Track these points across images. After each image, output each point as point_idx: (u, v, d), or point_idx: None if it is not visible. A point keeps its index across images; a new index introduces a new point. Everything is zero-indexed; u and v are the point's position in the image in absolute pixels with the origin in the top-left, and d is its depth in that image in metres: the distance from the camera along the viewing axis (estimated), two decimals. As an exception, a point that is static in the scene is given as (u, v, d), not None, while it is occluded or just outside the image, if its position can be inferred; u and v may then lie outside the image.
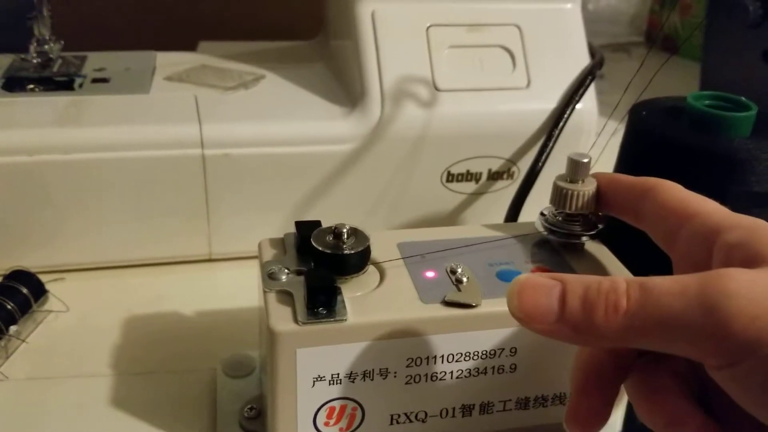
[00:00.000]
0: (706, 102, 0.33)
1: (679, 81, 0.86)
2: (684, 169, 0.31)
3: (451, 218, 0.47)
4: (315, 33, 0.57)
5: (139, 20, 0.65)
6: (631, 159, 0.34)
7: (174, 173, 0.41)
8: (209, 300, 0.41)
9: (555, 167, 0.43)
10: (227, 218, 0.43)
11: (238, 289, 0.42)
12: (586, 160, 0.32)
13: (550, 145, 0.43)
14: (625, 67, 0.91)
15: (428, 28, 0.44)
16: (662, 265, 0.32)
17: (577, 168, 0.32)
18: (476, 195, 0.46)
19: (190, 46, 0.55)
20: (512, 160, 0.46)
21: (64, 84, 0.46)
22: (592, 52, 0.48)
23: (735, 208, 0.31)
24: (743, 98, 0.32)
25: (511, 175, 0.46)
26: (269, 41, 0.56)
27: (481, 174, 0.46)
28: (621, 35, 0.91)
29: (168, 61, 0.50)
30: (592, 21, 0.90)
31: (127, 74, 0.47)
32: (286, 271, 0.29)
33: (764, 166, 0.30)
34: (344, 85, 0.46)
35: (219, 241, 0.44)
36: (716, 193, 0.31)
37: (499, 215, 0.46)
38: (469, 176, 0.46)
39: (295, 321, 0.27)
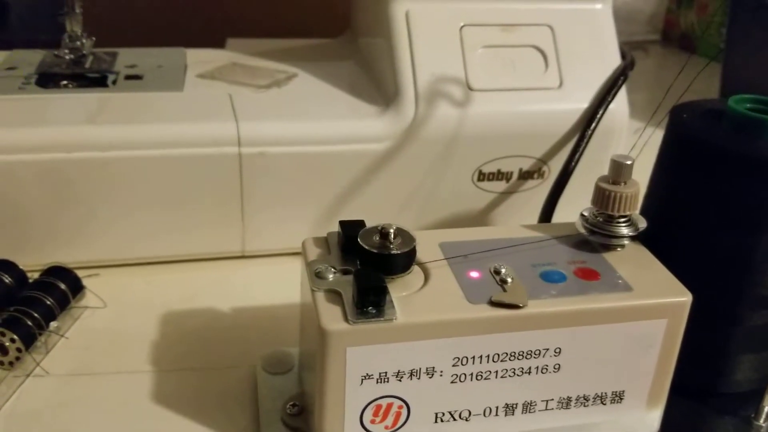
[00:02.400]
0: (747, 105, 0.33)
1: (699, 80, 0.87)
2: (725, 173, 0.31)
3: (482, 217, 0.47)
4: (335, 30, 0.57)
5: (164, 16, 0.65)
6: (671, 162, 0.34)
7: (210, 171, 0.41)
8: (244, 297, 0.42)
9: (586, 167, 0.44)
10: (261, 215, 0.43)
11: (272, 285, 0.42)
12: (629, 162, 0.32)
13: (583, 145, 0.44)
14: (642, 66, 0.91)
15: (462, 28, 0.44)
16: (700, 267, 0.33)
17: (620, 170, 0.32)
18: (507, 194, 0.47)
19: (214, 42, 0.55)
20: (543, 160, 0.46)
21: (97, 81, 0.46)
22: (623, 52, 0.48)
23: (777, 212, 0.31)
24: (784, 101, 0.33)
25: (541, 175, 0.46)
26: (295, 38, 0.56)
27: (512, 173, 0.46)
28: (638, 33, 0.91)
29: (198, 58, 0.50)
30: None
31: (159, 71, 0.47)
32: (332, 270, 0.30)
33: (808, 170, 0.30)
34: (377, 83, 0.46)
35: (253, 238, 0.44)
36: (756, 197, 0.31)
37: (530, 214, 0.46)
38: (500, 175, 0.46)
39: (345, 320, 0.27)
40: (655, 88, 0.81)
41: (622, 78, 0.45)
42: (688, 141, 0.33)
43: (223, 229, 0.43)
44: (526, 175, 0.46)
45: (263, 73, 0.47)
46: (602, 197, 0.32)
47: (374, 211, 0.45)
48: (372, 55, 0.48)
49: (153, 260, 0.44)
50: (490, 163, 0.45)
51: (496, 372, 0.30)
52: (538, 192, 0.46)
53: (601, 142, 0.45)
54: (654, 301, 0.30)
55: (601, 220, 0.33)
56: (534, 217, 0.44)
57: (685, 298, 0.30)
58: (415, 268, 0.31)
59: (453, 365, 0.29)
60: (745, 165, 0.31)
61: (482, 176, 0.45)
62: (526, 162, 0.46)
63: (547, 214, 0.42)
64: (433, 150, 0.44)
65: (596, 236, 0.33)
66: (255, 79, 0.46)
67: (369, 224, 0.31)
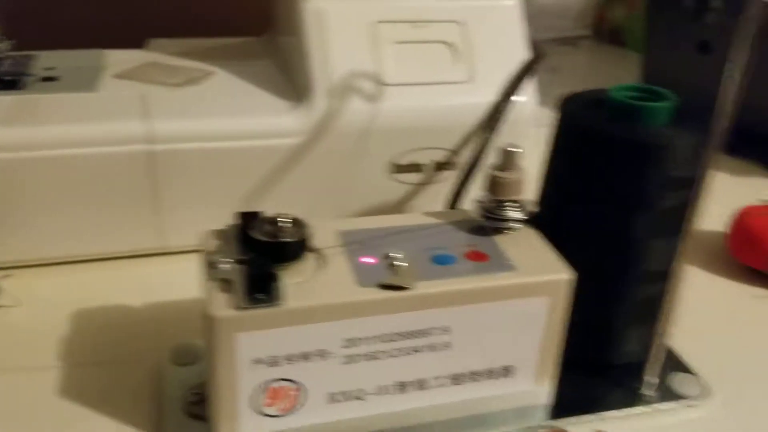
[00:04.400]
0: (628, 93, 0.35)
1: (626, 72, 0.89)
2: (606, 157, 0.33)
3: (398, 208, 0.48)
4: (260, 28, 0.58)
5: (89, 19, 0.65)
6: (559, 149, 0.36)
7: (122, 169, 0.42)
8: (159, 292, 0.42)
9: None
10: (178, 212, 0.44)
11: (187, 280, 0.42)
12: (516, 150, 0.34)
13: (490, 138, 0.45)
14: (573, 60, 0.93)
15: (373, 24, 0.45)
16: (586, 246, 0.34)
17: (509, 157, 0.34)
18: (421, 185, 0.48)
19: (141, 44, 0.55)
20: (456, 152, 0.47)
21: (10, 83, 0.46)
22: (534, 47, 0.50)
23: (653, 192, 0.33)
24: (662, 89, 0.34)
25: (454, 166, 0.48)
26: (219, 38, 0.56)
27: (425, 165, 0.47)
28: (569, 29, 0.93)
29: (117, 59, 0.51)
30: (540, 15, 0.93)
31: (76, 72, 0.48)
32: (227, 260, 0.31)
33: (679, 153, 0.32)
34: (291, 80, 0.47)
35: (170, 235, 0.45)
36: (636, 179, 0.33)
37: (443, 204, 0.47)
38: (414, 167, 0.47)
39: (235, 307, 0.28)
40: (586, 81, 0.84)
41: (528, 71, 0.47)
42: (572, 128, 0.35)
43: (140, 227, 0.44)
44: (439, 167, 0.48)
45: (180, 72, 0.48)
46: (492, 183, 0.34)
47: (292, 204, 0.45)
48: (288, 53, 0.49)
49: (70, 259, 0.44)
50: (404, 156, 0.46)
51: (388, 352, 0.31)
52: (450, 183, 0.47)
53: (510, 133, 0.46)
54: (535, 280, 0.31)
55: (494, 205, 0.34)
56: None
57: (566, 276, 0.32)
58: (311, 256, 0.32)
59: (344, 347, 0.30)
60: (623, 149, 0.33)
61: (396, 168, 0.47)
62: (439, 154, 0.47)
63: (454, 202, 0.43)
64: (347, 143, 0.45)
65: (489, 221, 0.34)
66: (171, 78, 0.46)
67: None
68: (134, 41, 0.55)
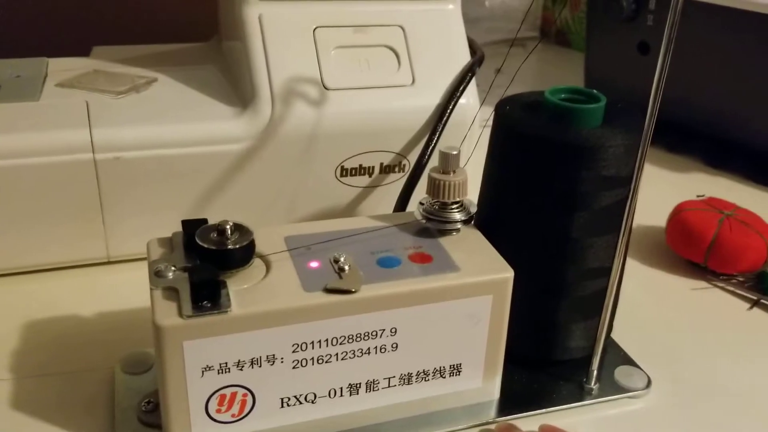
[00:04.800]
0: (563, 96, 0.36)
1: (571, 72, 0.91)
2: (541, 158, 0.34)
3: (347, 211, 0.49)
4: (207, 34, 0.58)
5: (33, 26, 0.64)
6: (497, 150, 0.37)
7: (66, 179, 0.41)
8: (108, 302, 0.42)
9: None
10: (123, 221, 0.44)
11: (137, 289, 0.42)
12: (455, 152, 0.34)
13: (435, 139, 0.46)
14: (520, 61, 0.95)
15: (315, 29, 0.46)
16: (527, 245, 0.35)
17: (448, 160, 0.34)
18: (370, 188, 0.48)
19: (87, 52, 0.55)
20: (402, 154, 0.48)
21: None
22: (474, 49, 0.51)
23: (589, 192, 0.34)
24: (595, 91, 0.36)
25: (402, 168, 0.48)
26: (164, 44, 0.56)
27: (373, 168, 0.48)
28: (516, 31, 0.95)
29: (60, 67, 0.50)
30: (488, 18, 0.95)
31: (17, 81, 0.47)
32: (172, 268, 0.31)
33: (611, 153, 0.33)
34: (235, 86, 0.47)
35: (116, 244, 0.44)
36: (570, 179, 0.34)
37: (393, 206, 0.48)
38: (362, 170, 0.48)
39: (180, 315, 0.28)
40: (534, 83, 0.86)
41: (470, 74, 0.48)
42: (509, 130, 0.36)
43: (85, 236, 0.43)
44: (387, 169, 0.48)
45: (123, 80, 0.47)
46: (434, 186, 0.35)
47: (241, 210, 0.46)
48: (232, 59, 0.49)
49: (14, 271, 0.44)
50: (351, 159, 0.47)
51: (337, 354, 0.31)
52: (400, 185, 0.48)
53: (455, 134, 0.47)
54: (478, 279, 0.32)
55: (436, 207, 0.35)
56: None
57: (508, 274, 0.33)
58: (257, 262, 0.32)
59: (293, 351, 0.31)
60: (558, 150, 0.34)
61: (345, 172, 0.47)
62: (386, 157, 0.48)
63: (401, 205, 0.44)
64: (293, 148, 0.45)
65: (432, 222, 0.35)
66: (114, 86, 0.46)
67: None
68: (80, 49, 0.54)
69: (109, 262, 0.45)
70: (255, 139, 0.44)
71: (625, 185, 0.34)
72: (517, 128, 0.35)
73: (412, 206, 0.45)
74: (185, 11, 0.67)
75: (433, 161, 0.45)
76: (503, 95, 0.39)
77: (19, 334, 0.39)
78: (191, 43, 0.57)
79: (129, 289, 0.43)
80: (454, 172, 0.35)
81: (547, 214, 0.35)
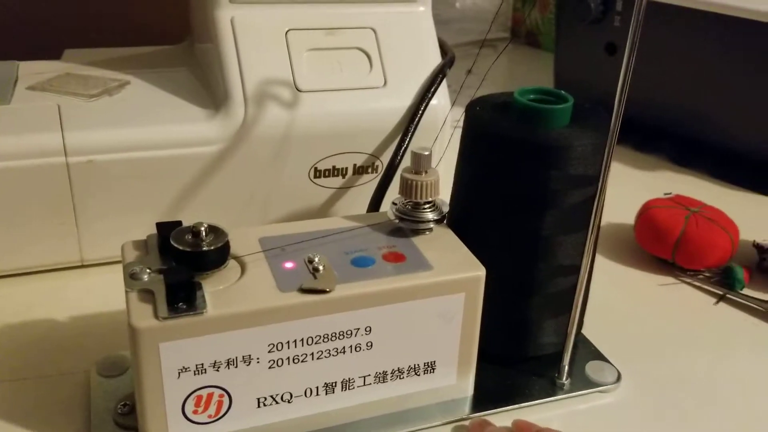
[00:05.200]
0: (531, 96, 0.36)
1: (541, 72, 0.92)
2: (510, 158, 0.35)
3: (322, 211, 0.49)
4: (178, 36, 0.58)
5: (2, 29, 0.63)
6: (468, 151, 0.37)
7: (38, 182, 0.41)
8: (83, 305, 0.42)
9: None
10: (97, 224, 0.43)
11: (111, 292, 0.42)
12: (427, 153, 0.35)
13: (407, 140, 0.47)
14: (491, 62, 0.96)
15: (287, 32, 0.46)
16: (499, 244, 0.36)
17: (419, 160, 0.35)
18: (344, 189, 0.49)
19: (58, 54, 0.54)
20: (375, 155, 0.48)
21: None
22: (445, 50, 0.51)
23: (557, 191, 0.35)
24: (563, 91, 0.36)
25: (375, 169, 0.49)
26: (137, 47, 0.56)
27: (346, 169, 0.48)
28: (486, 32, 0.96)
29: (31, 70, 0.50)
30: (459, 19, 0.95)
31: (-14, 85, 0.47)
32: (147, 270, 0.31)
33: (578, 152, 0.34)
34: (208, 88, 0.48)
35: (90, 247, 0.44)
36: (539, 178, 0.35)
37: (366, 206, 0.48)
38: (335, 171, 0.48)
39: (156, 317, 0.29)
40: (505, 83, 0.87)
41: (441, 76, 0.48)
42: (479, 131, 0.36)
43: (59, 240, 0.43)
44: (360, 170, 0.49)
45: (95, 83, 0.47)
46: (406, 186, 0.35)
47: (215, 211, 0.46)
48: (204, 61, 0.49)
49: (-13, 276, 0.43)
50: (324, 160, 0.47)
51: (312, 354, 0.32)
52: (373, 185, 0.48)
53: (426, 135, 0.48)
54: (451, 278, 0.33)
55: (409, 207, 0.36)
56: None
57: (480, 272, 0.33)
58: (232, 263, 0.32)
59: (269, 351, 0.31)
60: (527, 150, 0.35)
61: (318, 173, 0.48)
62: (359, 158, 0.48)
63: (375, 206, 0.45)
64: (267, 150, 0.45)
65: (405, 222, 0.36)
66: (86, 89, 0.46)
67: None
68: (51, 53, 0.54)
69: (82, 266, 0.45)
70: (228, 141, 0.44)
71: (593, 184, 0.34)
72: (487, 128, 0.36)
73: (386, 206, 0.45)
74: (157, 13, 0.67)
75: (406, 162, 0.46)
76: (474, 96, 0.39)
77: (-8, 338, 0.39)
78: (163, 45, 0.57)
79: (103, 293, 0.43)
80: (426, 172, 0.35)
81: (517, 213, 0.36)
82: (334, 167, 0.48)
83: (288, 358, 0.31)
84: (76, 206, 0.42)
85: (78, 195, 0.42)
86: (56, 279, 0.44)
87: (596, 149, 0.35)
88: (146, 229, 0.45)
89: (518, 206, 0.35)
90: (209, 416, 0.31)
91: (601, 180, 0.33)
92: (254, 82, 0.44)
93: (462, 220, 0.37)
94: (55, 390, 0.36)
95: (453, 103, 0.49)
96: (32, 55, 0.52)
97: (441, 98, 0.49)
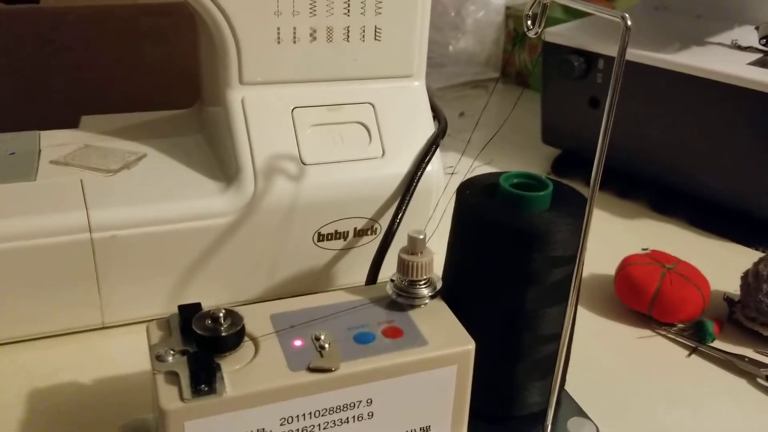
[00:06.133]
0: (515, 181, 0.40)
1: (530, 112, 0.96)
2: (496, 241, 0.39)
3: (324, 271, 0.53)
4: (190, 98, 0.61)
5: (19, 96, 0.67)
6: (458, 231, 0.41)
7: (64, 256, 0.45)
8: (105, 366, 0.45)
9: (412, 223, 0.50)
10: (118, 290, 0.47)
11: (130, 353, 0.46)
12: (421, 237, 0.39)
13: (405, 204, 0.50)
14: (482, 103, 1.00)
15: (293, 109, 0.50)
16: (488, 316, 0.40)
17: (414, 243, 0.39)
18: (345, 250, 0.53)
19: (72, 119, 0.58)
20: (374, 219, 0.52)
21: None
22: (438, 116, 0.55)
23: (539, 270, 0.39)
24: (544, 177, 0.40)
25: (374, 231, 0.53)
26: (150, 112, 0.60)
27: (348, 232, 0.52)
28: (480, 73, 1.00)
29: (52, 141, 0.53)
30: (452, 63, 0.99)
31: (12, 159, 0.50)
32: (171, 352, 0.35)
33: (559, 235, 0.38)
34: (219, 159, 0.51)
35: (111, 311, 0.48)
36: (522, 259, 0.38)
37: (366, 266, 0.52)
38: (337, 235, 0.52)
39: (182, 399, 0.32)
40: (496, 122, 0.91)
41: (434, 145, 0.52)
42: (468, 214, 0.40)
43: (82, 306, 0.47)
44: (360, 233, 0.52)
45: (114, 156, 0.51)
46: (403, 266, 0.39)
47: (227, 275, 0.50)
48: (215, 128, 0.53)
49: (15, 339, 0.47)
50: (327, 226, 0.51)
51: (319, 425, 0.35)
52: (372, 246, 0.52)
53: (422, 200, 0.52)
54: (444, 353, 0.37)
55: (405, 284, 0.39)
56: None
57: (470, 346, 0.37)
58: (247, 342, 0.36)
59: (281, 425, 0.35)
60: (511, 233, 0.38)
61: (322, 237, 0.51)
62: (359, 222, 0.52)
63: (374, 270, 0.48)
64: (274, 219, 0.49)
65: (402, 298, 0.39)
66: (106, 163, 0.49)
67: (214, 292, 0.36)
68: (64, 116, 0.57)
69: (104, 327, 0.49)
70: (239, 212, 0.48)
71: (572, 262, 0.38)
72: (475, 213, 0.39)
73: (386, 267, 0.49)
74: (164, 81, 0.71)
75: (403, 225, 0.50)
76: (469, 140, 0.42)
77: (23, 401, 0.43)
78: (174, 110, 0.61)
79: (123, 353, 0.47)
80: (421, 253, 0.39)
81: (503, 290, 0.39)
82: (336, 231, 0.51)
83: (298, 429, 0.35)
84: (99, 276, 0.46)
85: (100, 265, 0.46)
86: (80, 341, 0.48)
87: (575, 231, 0.38)
88: (162, 294, 0.49)
89: (504, 284, 0.39)
90: (228, 483, 0.35)
91: (578, 261, 0.37)
92: (263, 157, 0.48)
93: (454, 292, 0.41)
94: (85, 452, 0.40)
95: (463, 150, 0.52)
96: (46, 121, 0.56)
97: (434, 165, 0.52)
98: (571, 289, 0.38)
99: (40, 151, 0.52)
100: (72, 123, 0.57)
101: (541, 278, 0.39)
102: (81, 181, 0.48)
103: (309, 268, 0.52)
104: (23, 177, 0.48)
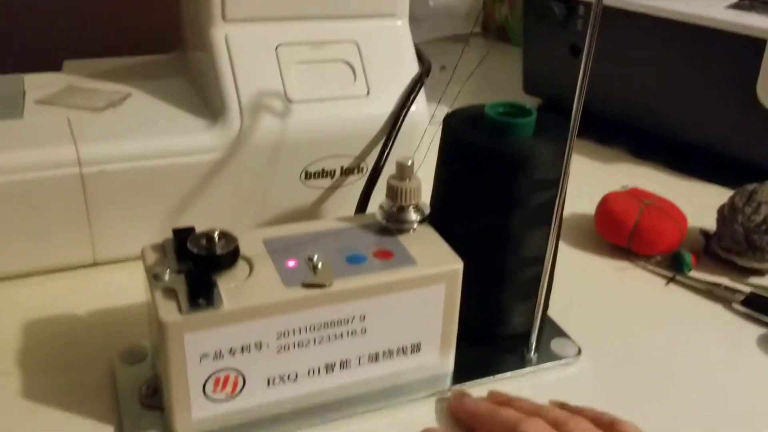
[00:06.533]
0: (500, 110, 0.41)
1: (510, 68, 0.97)
2: (482, 167, 0.40)
3: (312, 210, 0.54)
4: (169, 45, 0.61)
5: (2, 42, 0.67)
6: (446, 159, 0.42)
7: (55, 191, 0.45)
8: (98, 300, 0.46)
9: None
10: (108, 227, 0.48)
11: (123, 288, 0.47)
12: (409, 163, 0.40)
13: (390, 143, 0.51)
14: (463, 58, 1.01)
15: (277, 47, 0.50)
16: (474, 240, 0.41)
17: (403, 169, 0.40)
18: (332, 189, 0.53)
19: (53, 64, 0.58)
20: (360, 158, 0.53)
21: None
22: (421, 57, 0.56)
23: (523, 194, 0.40)
24: (527, 105, 0.41)
25: (361, 170, 0.54)
26: (132, 57, 0.60)
27: (335, 171, 0.53)
28: (460, 28, 1.01)
29: (36, 83, 0.53)
30: (432, 16, 1.00)
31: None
32: (168, 271, 0.35)
33: (541, 161, 0.39)
34: (205, 98, 0.52)
35: (102, 248, 0.48)
36: (508, 184, 0.40)
37: (353, 204, 0.53)
38: (324, 173, 0.53)
39: (180, 312, 0.33)
40: (477, 78, 0.91)
41: (419, 84, 0.53)
42: (455, 142, 0.41)
43: (74, 242, 0.47)
44: (347, 172, 0.53)
45: (99, 95, 0.51)
46: (392, 191, 0.40)
47: (216, 213, 0.50)
48: (199, 72, 0.54)
49: (8, 275, 0.47)
50: (314, 164, 0.52)
51: (314, 339, 0.37)
52: (359, 185, 0.53)
53: (407, 139, 0.53)
54: (433, 271, 0.38)
55: (395, 209, 0.41)
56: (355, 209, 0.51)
57: (458, 265, 0.38)
58: (241, 262, 0.37)
59: (277, 338, 0.36)
60: (495, 159, 0.39)
61: (309, 175, 0.52)
62: (346, 160, 0.53)
63: (362, 206, 0.49)
64: (261, 156, 0.50)
65: (391, 223, 0.40)
66: (92, 102, 0.50)
67: (204, 227, 0.37)
68: (50, 62, 0.57)
69: (95, 264, 0.49)
70: (226, 149, 0.49)
71: (555, 185, 0.39)
72: (461, 140, 0.41)
73: (372, 205, 0.50)
74: (148, 21, 0.71)
75: (389, 164, 0.51)
76: (445, 90, 0.43)
77: (21, 332, 0.43)
78: (155, 54, 0.61)
79: (115, 288, 0.47)
80: (409, 179, 0.40)
81: (489, 214, 0.41)
82: (323, 169, 0.52)
83: (294, 343, 0.36)
84: (89, 211, 0.46)
85: (91, 201, 0.46)
86: (72, 278, 0.48)
87: (557, 156, 0.40)
88: (152, 230, 0.49)
89: (490, 207, 0.40)
90: (226, 395, 0.36)
91: (561, 183, 0.38)
92: (248, 94, 0.49)
93: (441, 219, 0.42)
94: (83, 377, 0.40)
95: (437, 104, 0.53)
96: (27, 65, 0.56)
97: (419, 105, 0.53)
98: (555, 210, 0.39)
99: (24, 92, 0.52)
100: (53, 67, 0.57)
101: (525, 201, 0.40)
102: (68, 118, 0.48)
103: (297, 207, 0.53)
104: (10, 115, 0.48)
